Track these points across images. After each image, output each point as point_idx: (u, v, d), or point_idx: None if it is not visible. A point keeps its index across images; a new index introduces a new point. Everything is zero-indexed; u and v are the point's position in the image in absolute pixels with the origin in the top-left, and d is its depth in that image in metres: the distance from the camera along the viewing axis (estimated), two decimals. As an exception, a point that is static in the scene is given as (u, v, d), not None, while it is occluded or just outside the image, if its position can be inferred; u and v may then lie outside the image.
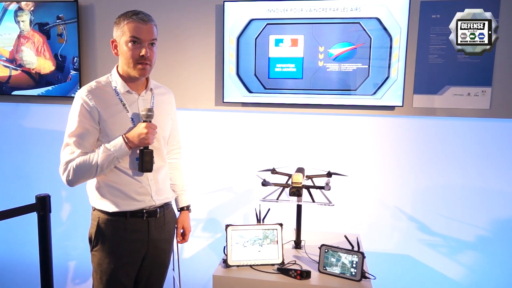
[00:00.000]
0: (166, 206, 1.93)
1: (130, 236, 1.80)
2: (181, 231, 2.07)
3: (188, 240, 2.11)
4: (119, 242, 1.79)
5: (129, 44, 1.70)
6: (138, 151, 1.75)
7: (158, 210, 1.86)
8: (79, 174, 1.69)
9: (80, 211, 2.89)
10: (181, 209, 2.08)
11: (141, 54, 1.70)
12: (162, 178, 1.88)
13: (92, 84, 1.78)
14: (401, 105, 2.39)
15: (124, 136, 1.71)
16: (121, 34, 1.71)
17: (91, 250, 1.83)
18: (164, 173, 1.91)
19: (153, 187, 1.83)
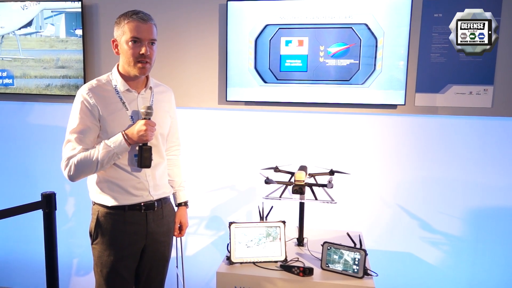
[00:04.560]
0: (164, 200, 1.96)
1: (129, 229, 1.83)
2: (179, 226, 2.10)
3: (184, 234, 2.13)
4: (118, 235, 1.82)
5: (130, 43, 1.73)
6: (137, 148, 1.78)
7: (156, 203, 1.89)
8: (80, 170, 1.72)
9: (84, 209, 2.91)
10: (178, 205, 2.11)
11: (141, 52, 1.73)
12: (159, 174, 1.91)
13: (93, 82, 1.81)
14: (403, 103, 2.41)
15: (123, 132, 1.74)
16: (122, 33, 1.74)
17: (92, 244, 1.87)
18: (161, 170, 1.93)
19: (151, 182, 1.86)
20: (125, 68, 1.79)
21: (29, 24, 2.74)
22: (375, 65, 2.43)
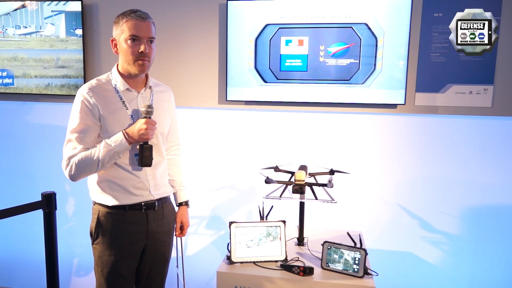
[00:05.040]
0: (164, 199, 1.96)
1: (130, 228, 1.84)
2: (180, 225, 2.10)
3: (186, 234, 2.13)
4: (118, 235, 1.83)
5: (129, 42, 1.73)
6: (137, 147, 1.79)
7: (156, 203, 1.89)
8: (81, 169, 1.72)
9: (84, 209, 2.91)
10: (179, 204, 2.11)
11: (140, 50, 1.73)
12: (160, 173, 1.92)
13: (93, 82, 1.81)
14: (403, 103, 2.41)
15: (124, 131, 1.75)
16: (121, 32, 1.75)
17: (92, 244, 1.87)
18: (162, 169, 1.94)
19: (151, 182, 1.87)
20: (124, 67, 1.80)
21: (23, 6, 2.74)
22: (375, 64, 2.44)
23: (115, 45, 1.80)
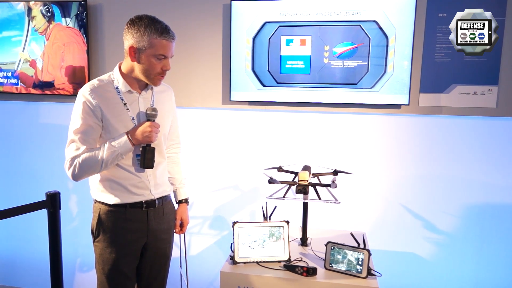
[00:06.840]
0: (164, 198, 1.98)
1: (130, 226, 1.86)
2: (180, 222, 2.11)
3: (185, 231, 2.15)
4: (119, 232, 1.85)
5: (156, 59, 1.74)
6: (140, 148, 1.81)
7: (156, 201, 1.92)
8: (85, 169, 1.74)
9: (88, 208, 2.91)
10: (179, 202, 2.13)
11: (165, 68, 1.77)
12: (160, 173, 1.94)
13: (95, 82, 1.81)
14: (407, 103, 2.40)
15: (128, 133, 1.77)
16: (148, 45, 1.71)
17: (93, 241, 1.89)
18: (162, 168, 1.96)
19: (152, 181, 1.89)
20: (136, 73, 1.79)
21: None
22: (385, 66, 2.30)
23: (134, 53, 1.74)
